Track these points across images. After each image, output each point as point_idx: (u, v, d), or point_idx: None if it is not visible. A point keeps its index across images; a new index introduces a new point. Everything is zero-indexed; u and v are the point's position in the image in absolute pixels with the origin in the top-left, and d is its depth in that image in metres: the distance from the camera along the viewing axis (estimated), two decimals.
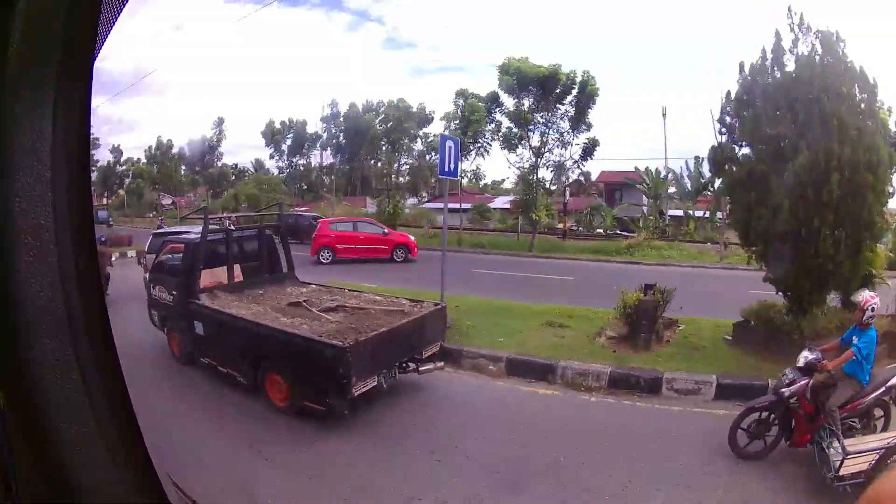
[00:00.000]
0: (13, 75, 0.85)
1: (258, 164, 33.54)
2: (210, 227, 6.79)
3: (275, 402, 5.33)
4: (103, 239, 13.40)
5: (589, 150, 18.02)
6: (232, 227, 7.33)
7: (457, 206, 27.41)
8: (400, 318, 5.82)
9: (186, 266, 6.64)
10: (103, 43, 1.06)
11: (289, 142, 28.33)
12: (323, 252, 14.94)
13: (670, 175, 23.72)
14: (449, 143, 7.74)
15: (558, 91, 16.84)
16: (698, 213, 23.46)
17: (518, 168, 18.54)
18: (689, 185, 23.75)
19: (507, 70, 17.03)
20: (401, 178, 32.88)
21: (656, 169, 23.73)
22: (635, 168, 23.80)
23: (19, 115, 0.86)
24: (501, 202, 28.52)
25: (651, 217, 23.33)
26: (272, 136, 28.10)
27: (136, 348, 7.05)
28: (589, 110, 17.31)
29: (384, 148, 24.55)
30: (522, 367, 6.42)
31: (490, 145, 20.08)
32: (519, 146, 18.24)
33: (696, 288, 11.61)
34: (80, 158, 0.94)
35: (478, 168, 24.67)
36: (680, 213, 24.11)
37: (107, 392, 0.95)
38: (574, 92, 16.98)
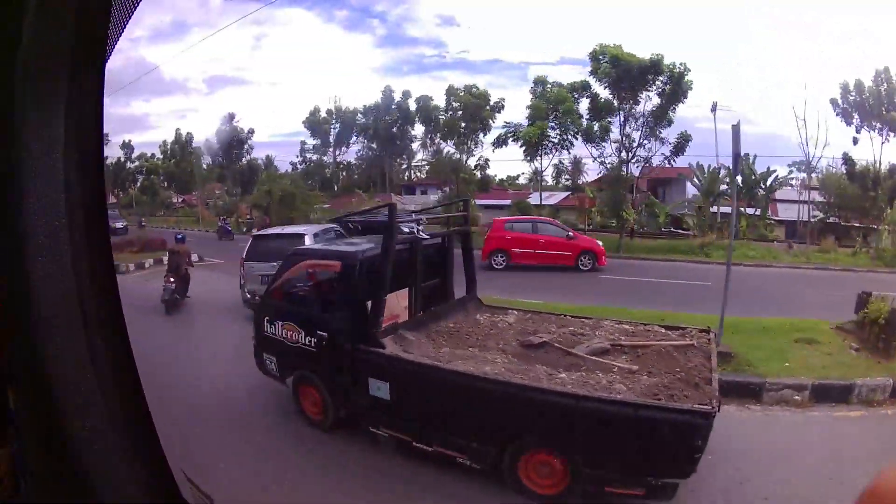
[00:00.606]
0: (25, 74, 0.83)
1: (268, 161, 31.76)
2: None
3: (531, 489, 3.90)
4: (180, 236, 11.73)
5: (681, 146, 17.17)
6: (423, 234, 5.38)
7: (501, 202, 26.38)
8: (700, 357, 4.52)
9: (352, 295, 4.72)
10: (116, 42, 1.03)
11: (334, 131, 26.04)
12: (496, 256, 13.14)
13: (722, 171, 23.33)
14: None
15: (659, 82, 15.88)
16: (749, 211, 23.26)
17: (604, 163, 17.53)
18: (741, 183, 23.42)
19: (597, 57, 15.89)
20: (418, 173, 31.38)
21: (709, 165, 23.33)
22: (689, 164, 23.29)
23: (32, 113, 0.84)
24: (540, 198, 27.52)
25: (704, 215, 22.89)
26: (318, 124, 25.80)
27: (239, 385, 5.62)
28: (679, 104, 16.48)
29: (458, 138, 22.60)
30: (825, 391, 6.01)
31: (576, 138, 18.85)
32: (603, 141, 17.21)
33: (834, 291, 11.17)
34: (93, 157, 0.93)
35: (560, 162, 22.82)
36: (726, 209, 23.83)
37: (121, 389, 0.94)
38: (669, 85, 16.05)
